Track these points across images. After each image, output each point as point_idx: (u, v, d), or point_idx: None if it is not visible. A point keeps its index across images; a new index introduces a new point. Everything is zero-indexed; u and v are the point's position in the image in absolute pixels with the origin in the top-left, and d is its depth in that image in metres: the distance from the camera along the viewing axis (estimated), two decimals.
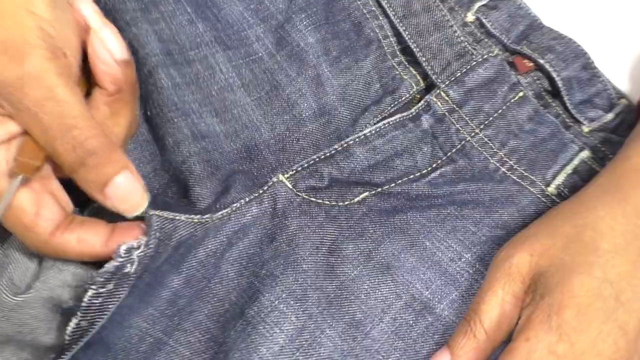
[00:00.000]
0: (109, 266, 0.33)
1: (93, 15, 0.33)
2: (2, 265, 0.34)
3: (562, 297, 0.32)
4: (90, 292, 0.32)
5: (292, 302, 0.36)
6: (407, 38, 0.44)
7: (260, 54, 0.44)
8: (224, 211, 0.38)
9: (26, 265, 0.34)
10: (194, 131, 0.41)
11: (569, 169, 0.42)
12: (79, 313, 0.32)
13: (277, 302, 0.36)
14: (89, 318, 0.33)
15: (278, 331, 0.35)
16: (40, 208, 0.32)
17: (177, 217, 0.36)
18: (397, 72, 0.45)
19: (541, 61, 0.44)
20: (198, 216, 0.37)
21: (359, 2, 0.46)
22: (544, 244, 0.35)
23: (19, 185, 0.31)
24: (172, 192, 0.41)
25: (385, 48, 0.45)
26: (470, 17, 0.46)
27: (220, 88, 0.42)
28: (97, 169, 0.31)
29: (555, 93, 0.44)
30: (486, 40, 0.46)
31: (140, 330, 0.36)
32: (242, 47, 0.44)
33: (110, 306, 0.33)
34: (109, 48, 0.33)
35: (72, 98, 0.31)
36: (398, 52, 0.45)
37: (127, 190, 0.32)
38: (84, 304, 0.32)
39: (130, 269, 0.33)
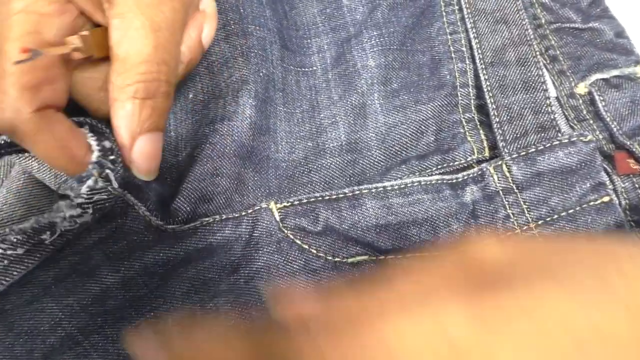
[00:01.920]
0: (26, 225, 0.28)
1: (212, 3, 0.33)
2: None
3: None
4: None
5: None
6: (485, 89, 0.36)
7: (314, 68, 0.38)
8: (192, 224, 0.32)
9: None
10: (227, 109, 0.35)
11: None
12: None
13: None
14: None
15: None
16: (53, 80, 0.27)
17: (133, 202, 0.30)
18: (461, 130, 0.36)
19: None
20: (156, 219, 0.31)
21: (449, 37, 0.38)
22: None
23: (68, 52, 0.27)
24: (171, 178, 0.36)
25: (459, 98, 0.37)
26: (582, 88, 0.37)
27: (267, 75, 0.36)
28: (152, 109, 0.28)
29: None
30: (591, 122, 0.36)
31: (53, 319, 0.31)
32: (299, 55, 0.38)
33: (15, 273, 0.29)
34: (205, 34, 0.33)
35: (178, 34, 0.29)
36: (473, 108, 0.37)
37: (154, 151, 0.29)
38: None
39: (47, 237, 0.28)
